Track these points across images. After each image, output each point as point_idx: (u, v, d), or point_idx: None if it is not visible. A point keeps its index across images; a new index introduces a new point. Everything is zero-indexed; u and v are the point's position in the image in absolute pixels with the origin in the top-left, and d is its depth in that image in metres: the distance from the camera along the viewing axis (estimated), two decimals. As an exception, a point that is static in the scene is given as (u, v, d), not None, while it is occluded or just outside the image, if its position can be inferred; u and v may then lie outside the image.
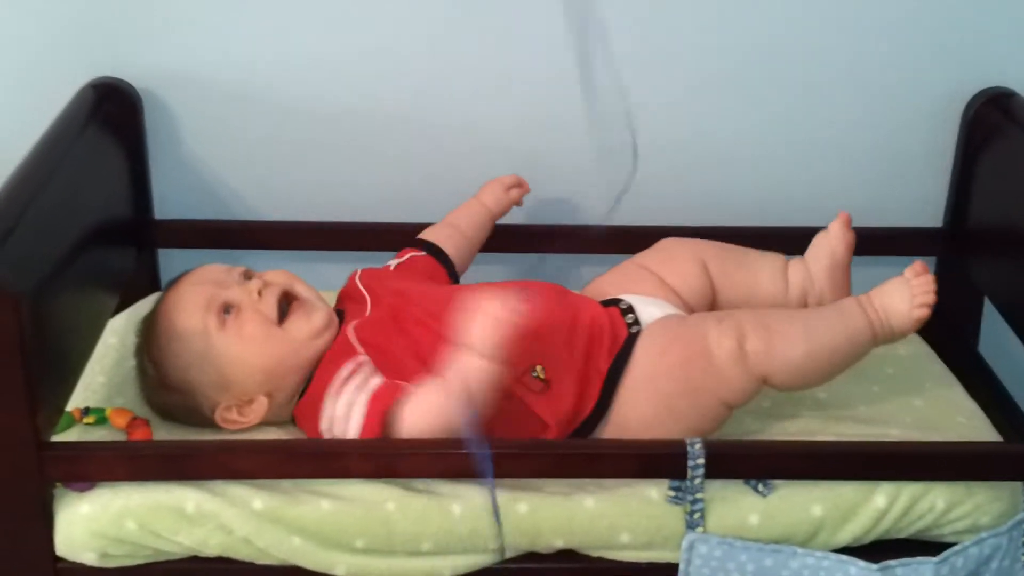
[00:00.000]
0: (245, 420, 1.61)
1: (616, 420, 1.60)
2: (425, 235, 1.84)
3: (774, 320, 1.61)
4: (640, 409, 1.59)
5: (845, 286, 1.76)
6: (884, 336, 1.61)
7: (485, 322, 1.48)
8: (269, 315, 1.60)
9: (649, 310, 1.68)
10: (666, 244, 1.81)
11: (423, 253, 1.81)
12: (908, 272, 1.62)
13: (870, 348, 1.62)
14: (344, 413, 1.53)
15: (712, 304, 1.77)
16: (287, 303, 1.62)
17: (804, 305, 1.76)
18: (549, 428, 1.58)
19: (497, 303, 1.48)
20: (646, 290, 1.73)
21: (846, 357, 1.62)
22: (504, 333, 1.48)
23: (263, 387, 1.60)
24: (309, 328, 1.62)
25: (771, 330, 1.59)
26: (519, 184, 1.89)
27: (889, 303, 1.60)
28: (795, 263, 1.78)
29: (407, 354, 1.58)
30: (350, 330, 1.63)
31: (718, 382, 1.58)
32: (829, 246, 1.76)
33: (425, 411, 1.49)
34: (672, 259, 1.77)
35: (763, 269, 1.77)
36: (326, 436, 1.55)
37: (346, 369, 1.57)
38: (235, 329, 1.59)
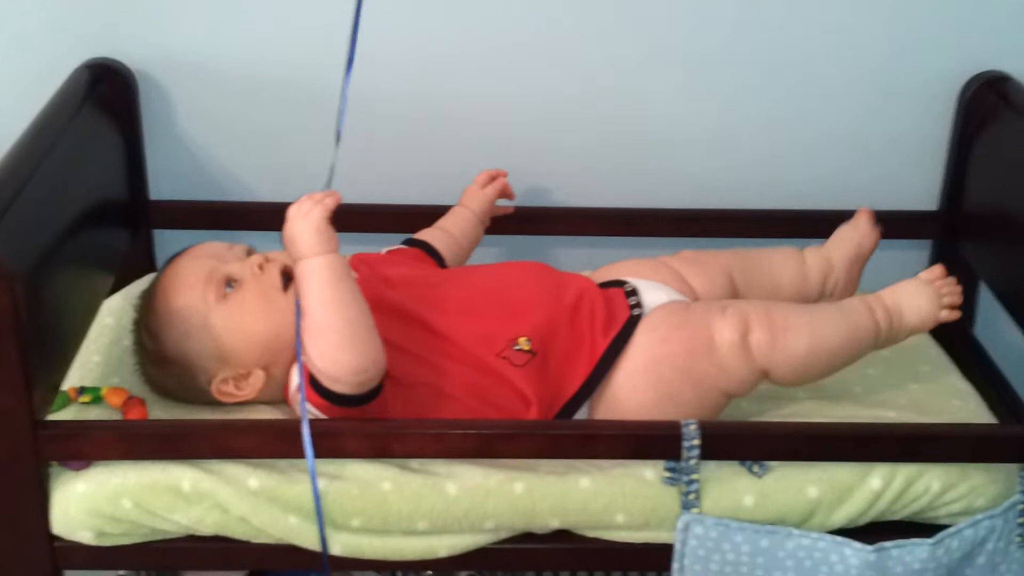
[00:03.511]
0: (241, 394, 1.61)
1: (612, 401, 1.60)
2: (416, 236, 1.84)
3: (779, 314, 1.61)
4: (639, 393, 1.59)
5: (857, 280, 1.80)
6: (888, 337, 1.63)
7: (292, 229, 1.51)
8: (274, 282, 1.61)
9: (655, 294, 1.67)
10: (689, 253, 1.80)
11: (415, 249, 1.82)
12: (926, 275, 1.64)
13: (870, 349, 1.64)
14: (297, 379, 1.52)
15: None
16: (288, 277, 1.62)
17: (823, 293, 1.78)
18: (531, 405, 1.57)
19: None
20: (658, 278, 1.72)
21: (846, 356, 1.63)
22: (306, 225, 1.49)
23: (261, 360, 1.60)
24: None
25: (775, 323, 1.59)
26: (492, 178, 1.88)
27: (907, 302, 1.62)
28: (812, 252, 1.79)
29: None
30: None
31: (720, 372, 1.58)
32: (857, 239, 1.79)
33: (309, 344, 1.48)
34: (699, 265, 1.76)
35: (782, 268, 1.78)
36: (293, 406, 1.55)
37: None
38: (236, 303, 1.59)
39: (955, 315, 1.64)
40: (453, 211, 1.88)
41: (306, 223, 1.49)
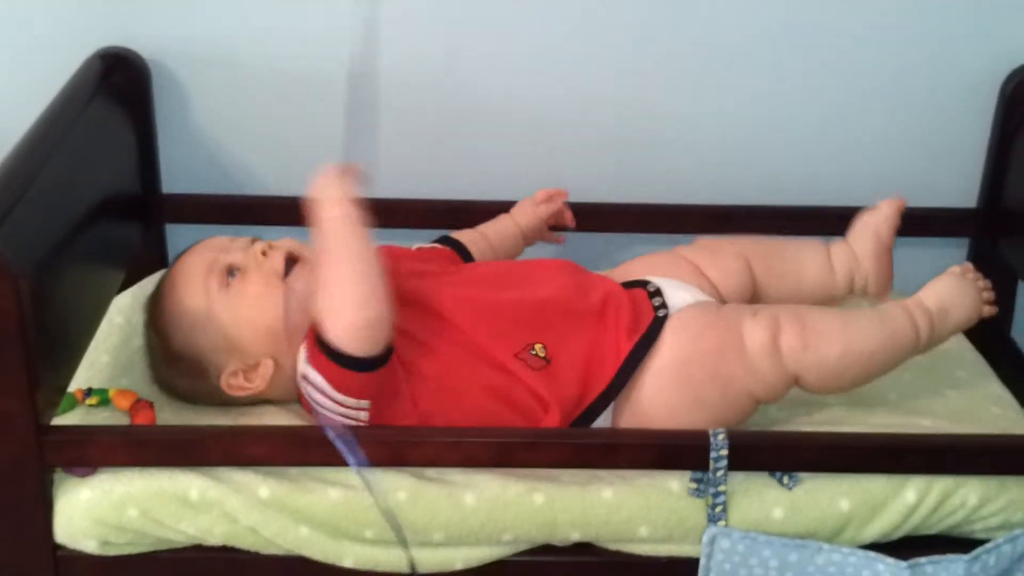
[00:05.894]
0: (251, 386, 1.58)
1: (637, 404, 1.56)
2: (452, 234, 1.81)
3: (812, 317, 1.57)
4: (665, 394, 1.55)
5: (889, 267, 1.73)
6: (928, 342, 1.59)
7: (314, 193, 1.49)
8: (276, 269, 1.58)
9: (679, 295, 1.63)
10: (706, 242, 1.76)
11: (447, 248, 1.78)
12: (959, 270, 1.60)
13: (910, 355, 1.60)
14: (304, 352, 1.50)
15: (757, 297, 1.72)
16: (291, 263, 1.60)
17: (852, 288, 1.73)
18: (550, 408, 1.53)
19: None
20: (679, 275, 1.68)
21: (883, 363, 1.59)
22: (326, 183, 1.50)
23: (269, 349, 1.56)
24: (312, 282, 1.57)
25: (807, 327, 1.55)
26: (549, 198, 1.84)
27: (950, 300, 1.58)
28: (837, 246, 1.74)
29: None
30: None
31: (749, 374, 1.54)
32: (873, 226, 1.73)
33: (321, 294, 1.47)
34: (714, 254, 1.72)
35: (807, 258, 1.74)
36: (302, 390, 1.51)
37: None
38: (239, 290, 1.56)
39: (994, 310, 1.61)
40: (499, 219, 1.84)
41: (324, 182, 1.50)
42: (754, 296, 1.72)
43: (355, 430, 1.45)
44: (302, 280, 1.58)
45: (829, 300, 1.73)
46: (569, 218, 1.87)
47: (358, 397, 1.47)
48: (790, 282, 1.72)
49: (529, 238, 1.85)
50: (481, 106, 1.90)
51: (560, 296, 1.60)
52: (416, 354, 1.52)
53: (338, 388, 1.47)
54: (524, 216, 1.84)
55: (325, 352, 1.45)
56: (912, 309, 1.58)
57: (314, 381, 1.47)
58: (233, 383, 1.57)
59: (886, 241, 1.72)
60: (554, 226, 1.88)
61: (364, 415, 1.48)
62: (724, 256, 1.72)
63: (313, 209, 1.49)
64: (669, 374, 1.56)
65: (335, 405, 1.47)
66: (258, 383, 1.58)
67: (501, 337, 1.55)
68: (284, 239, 1.63)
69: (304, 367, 1.48)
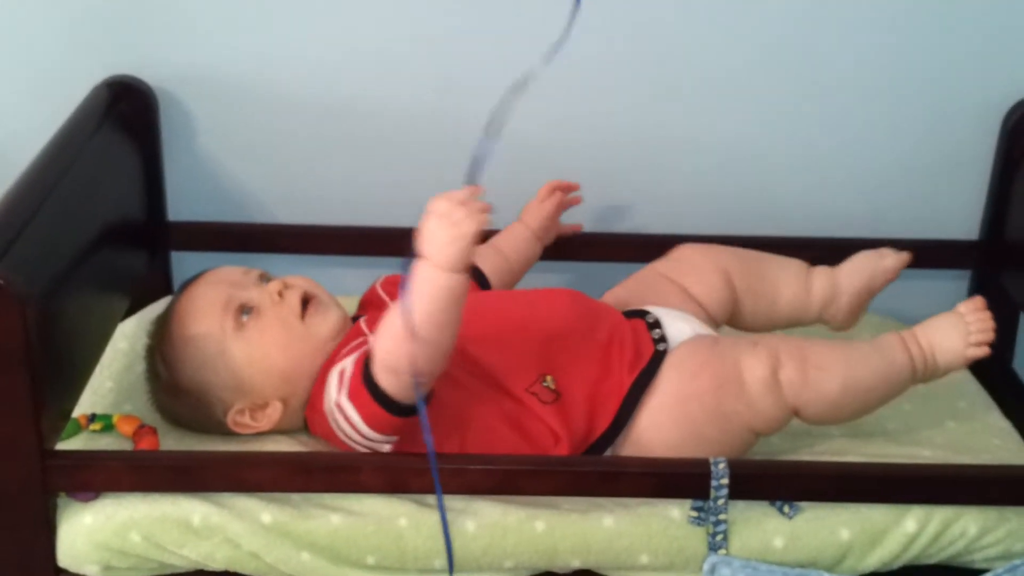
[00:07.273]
0: (258, 425, 1.58)
1: (637, 440, 1.56)
2: None
3: (812, 351, 1.56)
4: (664, 432, 1.55)
5: (859, 313, 1.74)
6: (924, 375, 1.58)
7: (434, 229, 1.37)
8: (293, 311, 1.57)
9: (678, 326, 1.63)
10: (686, 254, 1.75)
11: None
12: (963, 308, 1.58)
13: (907, 387, 1.59)
14: (337, 380, 1.49)
15: (733, 313, 1.72)
16: (306, 303, 1.59)
17: (820, 319, 1.73)
18: (560, 440, 1.53)
19: (445, 205, 1.37)
20: (671, 302, 1.68)
21: (882, 395, 1.58)
22: (453, 235, 1.36)
23: (279, 391, 1.56)
24: (327, 326, 1.58)
25: (808, 360, 1.54)
26: (552, 192, 1.82)
27: (939, 340, 1.57)
28: (820, 272, 1.73)
29: None
30: (362, 322, 1.60)
31: (749, 409, 1.54)
32: (871, 270, 1.72)
33: (389, 337, 1.41)
34: (695, 270, 1.72)
35: (784, 278, 1.73)
36: (328, 417, 1.50)
37: (346, 348, 1.54)
38: (255, 331, 1.55)
39: (983, 352, 1.57)
40: (510, 227, 1.82)
41: (452, 233, 1.36)
42: (736, 308, 1.72)
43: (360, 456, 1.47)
44: (318, 323, 1.58)
45: (796, 324, 1.74)
46: (572, 201, 1.84)
47: (387, 434, 1.47)
48: (764, 303, 1.72)
49: (543, 238, 1.82)
50: (477, 134, 1.89)
51: (568, 329, 1.59)
52: (436, 384, 1.49)
53: (370, 425, 1.46)
54: (532, 217, 1.81)
55: (371, 392, 1.44)
56: (908, 342, 1.57)
57: (349, 416, 1.46)
58: (239, 421, 1.57)
59: (876, 289, 1.72)
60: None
61: (388, 447, 1.49)
62: (705, 272, 1.71)
63: (426, 242, 1.38)
64: (668, 412, 1.55)
65: (361, 438, 1.47)
66: (264, 423, 1.58)
67: (512, 370, 1.54)
68: (298, 277, 1.62)
69: (343, 400, 1.47)
